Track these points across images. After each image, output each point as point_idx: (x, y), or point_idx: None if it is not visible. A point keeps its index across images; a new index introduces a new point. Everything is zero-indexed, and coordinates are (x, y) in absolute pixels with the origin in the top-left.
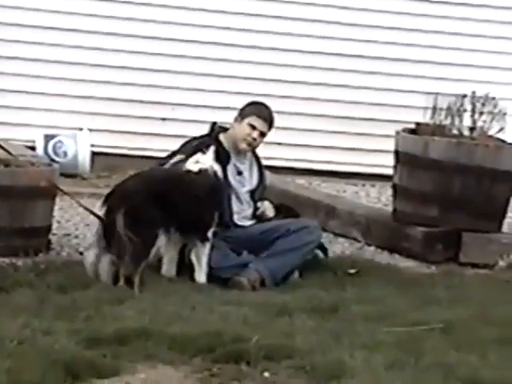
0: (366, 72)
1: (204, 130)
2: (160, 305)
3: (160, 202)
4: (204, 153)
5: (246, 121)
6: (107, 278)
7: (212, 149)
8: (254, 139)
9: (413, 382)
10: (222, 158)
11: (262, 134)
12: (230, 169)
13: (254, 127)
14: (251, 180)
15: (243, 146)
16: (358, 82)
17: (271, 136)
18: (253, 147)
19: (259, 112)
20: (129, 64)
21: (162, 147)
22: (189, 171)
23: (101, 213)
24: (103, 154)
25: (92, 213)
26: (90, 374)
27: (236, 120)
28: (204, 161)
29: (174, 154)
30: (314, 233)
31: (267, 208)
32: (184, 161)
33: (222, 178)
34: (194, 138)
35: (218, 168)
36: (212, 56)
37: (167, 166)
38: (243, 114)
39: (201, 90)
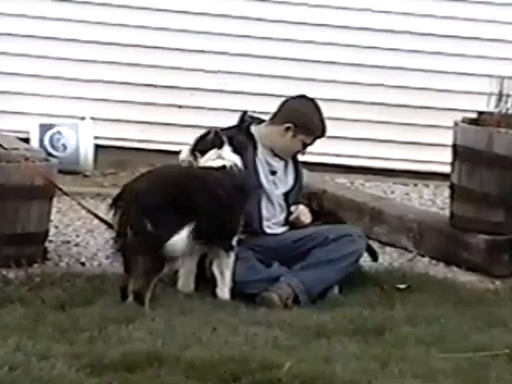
0: (419, 51)
1: (227, 119)
2: (175, 325)
3: (177, 205)
4: (222, 146)
5: (301, 138)
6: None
7: (226, 140)
8: (303, 153)
9: None
10: (242, 148)
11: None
12: (262, 167)
13: (307, 145)
14: (286, 180)
15: (287, 157)
16: (409, 64)
17: None
18: None
19: (319, 131)
20: (140, 42)
21: (178, 139)
22: (209, 168)
23: (109, 217)
24: (109, 148)
25: (97, 217)
26: None
27: (287, 129)
28: (227, 156)
29: None
30: (357, 242)
31: (302, 212)
32: (196, 157)
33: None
34: (222, 130)
35: (238, 160)
36: (236, 33)
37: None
38: (298, 125)
39: (224, 73)
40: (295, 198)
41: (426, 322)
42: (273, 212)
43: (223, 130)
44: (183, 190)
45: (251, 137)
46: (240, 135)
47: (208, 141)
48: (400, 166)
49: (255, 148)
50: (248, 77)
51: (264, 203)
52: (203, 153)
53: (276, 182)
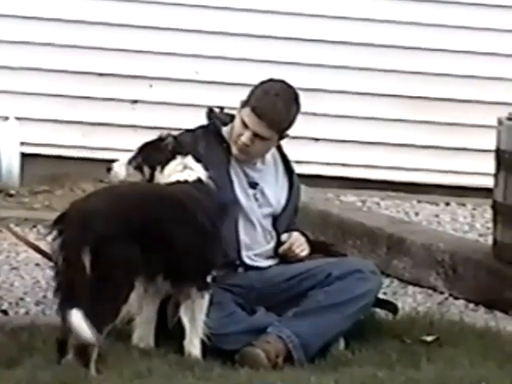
0: (454, 27)
1: (197, 117)
2: None
3: (143, 235)
4: (187, 154)
5: (241, 113)
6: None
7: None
8: (245, 144)
9: None
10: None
11: (260, 137)
12: (238, 179)
13: (246, 125)
14: (274, 196)
15: (235, 151)
16: (439, 43)
17: (302, 128)
18: (251, 155)
19: (258, 102)
20: (80, 16)
21: (132, 145)
22: (181, 184)
23: (49, 247)
24: (40, 157)
25: (33, 246)
26: None
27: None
28: (193, 166)
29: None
30: (370, 280)
31: (297, 242)
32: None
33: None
34: (188, 131)
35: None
36: (211, 3)
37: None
38: (246, 100)
39: (192, 56)
40: (288, 222)
41: None
42: (254, 237)
43: (189, 131)
44: (153, 214)
45: (222, 140)
46: (207, 138)
47: (165, 148)
48: (428, 179)
49: (228, 155)
50: (225, 62)
51: (242, 225)
52: (161, 165)
53: (258, 197)
